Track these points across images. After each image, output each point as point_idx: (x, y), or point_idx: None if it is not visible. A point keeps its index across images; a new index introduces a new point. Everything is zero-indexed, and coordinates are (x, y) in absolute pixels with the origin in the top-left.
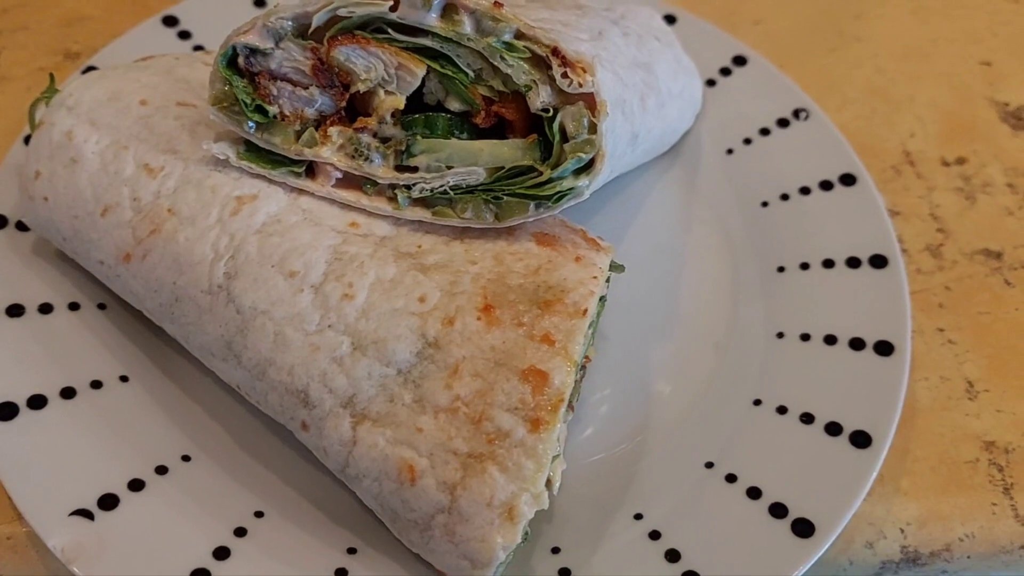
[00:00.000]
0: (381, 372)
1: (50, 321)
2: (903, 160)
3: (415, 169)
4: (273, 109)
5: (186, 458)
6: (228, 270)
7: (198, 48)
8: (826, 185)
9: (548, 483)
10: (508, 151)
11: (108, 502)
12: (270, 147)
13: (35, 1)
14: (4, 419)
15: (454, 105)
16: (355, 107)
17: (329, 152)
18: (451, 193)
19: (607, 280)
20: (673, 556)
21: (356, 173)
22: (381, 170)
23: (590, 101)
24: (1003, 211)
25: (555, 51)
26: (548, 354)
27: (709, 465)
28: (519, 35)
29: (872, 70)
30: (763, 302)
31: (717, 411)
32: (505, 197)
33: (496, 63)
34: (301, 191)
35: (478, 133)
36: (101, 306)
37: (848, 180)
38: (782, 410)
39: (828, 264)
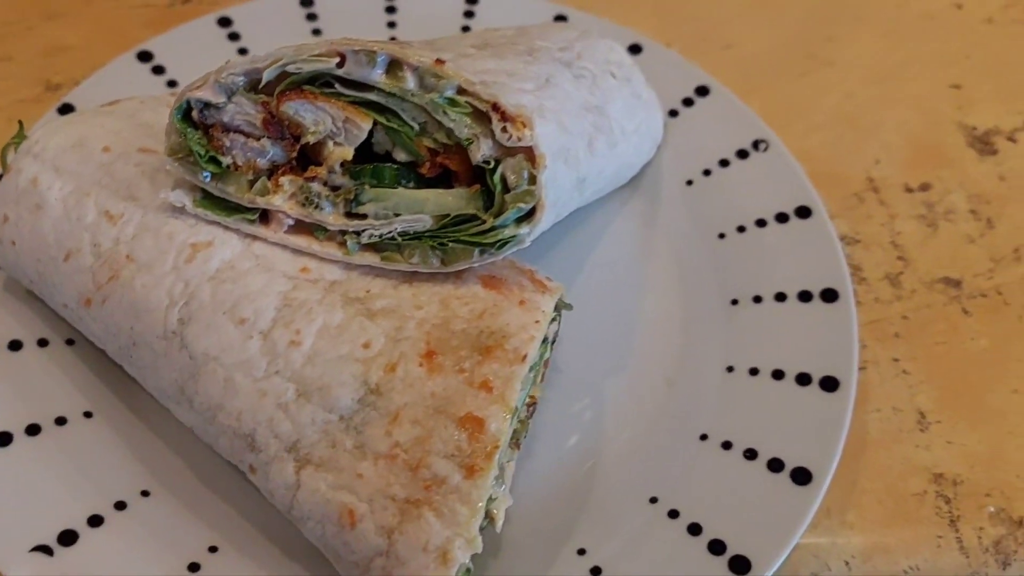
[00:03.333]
0: (324, 418)
1: (19, 358)
2: (867, 187)
3: (364, 216)
4: (226, 160)
5: (145, 493)
6: (182, 316)
7: (172, 83)
8: (782, 217)
9: (492, 520)
10: (452, 200)
11: (67, 538)
12: (224, 195)
13: (17, 31)
14: None
15: (401, 156)
16: (307, 156)
17: (281, 200)
18: (399, 239)
19: (557, 319)
20: None
21: (307, 220)
22: (331, 217)
23: (530, 153)
24: (965, 239)
25: (495, 106)
26: (486, 401)
27: (654, 500)
28: (461, 91)
29: (841, 95)
30: (716, 336)
31: (666, 446)
32: (450, 243)
33: (439, 117)
34: (255, 237)
35: (424, 183)
36: (69, 342)
37: (804, 212)
38: (727, 445)
39: (780, 297)
